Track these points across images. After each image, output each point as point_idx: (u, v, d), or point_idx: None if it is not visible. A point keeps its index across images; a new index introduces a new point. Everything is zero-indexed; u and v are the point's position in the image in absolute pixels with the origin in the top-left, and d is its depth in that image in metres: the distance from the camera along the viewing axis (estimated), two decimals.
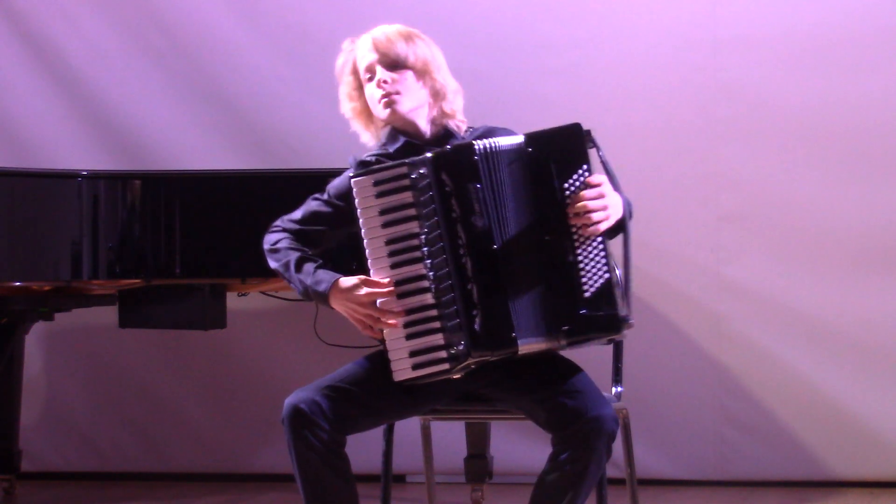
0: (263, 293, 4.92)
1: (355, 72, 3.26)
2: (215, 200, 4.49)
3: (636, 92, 5.00)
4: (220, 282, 4.54)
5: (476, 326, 2.93)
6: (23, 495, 4.98)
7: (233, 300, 4.74)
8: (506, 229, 2.97)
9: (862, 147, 4.87)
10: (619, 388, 3.39)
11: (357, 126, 3.30)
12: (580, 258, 2.96)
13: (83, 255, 4.39)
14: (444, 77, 3.22)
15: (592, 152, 3.02)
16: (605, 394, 3.27)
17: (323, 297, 3.09)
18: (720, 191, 4.98)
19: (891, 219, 4.85)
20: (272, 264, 3.20)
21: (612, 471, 3.25)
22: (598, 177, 2.98)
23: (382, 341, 3.03)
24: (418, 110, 3.21)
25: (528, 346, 2.97)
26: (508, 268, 2.96)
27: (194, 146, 5.25)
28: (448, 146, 3.06)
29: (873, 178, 4.86)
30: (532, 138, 3.00)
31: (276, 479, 5.19)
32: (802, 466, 4.94)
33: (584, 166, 2.98)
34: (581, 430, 2.90)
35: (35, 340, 5.20)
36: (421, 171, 2.97)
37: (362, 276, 3.02)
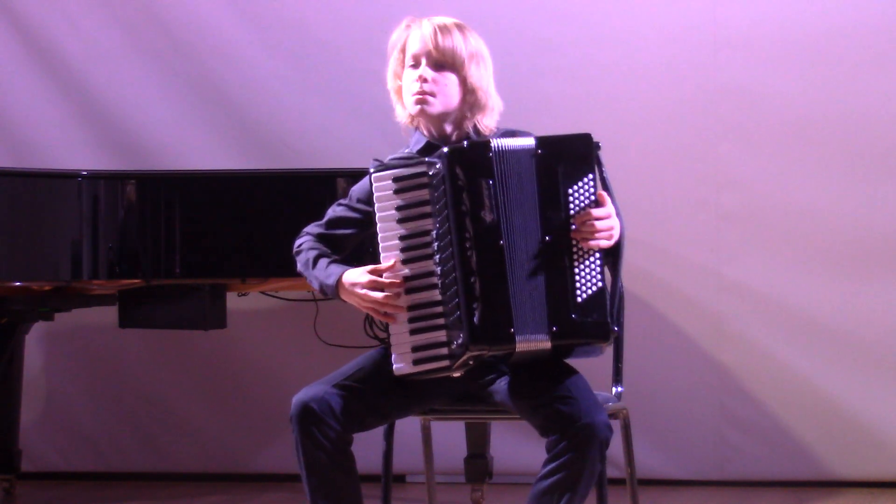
0: (263, 293, 4.92)
1: (403, 51, 3.26)
2: (215, 200, 4.49)
3: (636, 92, 5.00)
4: (220, 282, 4.54)
5: (475, 320, 2.94)
6: (23, 495, 4.98)
7: (233, 300, 4.74)
8: (513, 227, 2.98)
9: (862, 147, 4.87)
10: (620, 388, 3.40)
11: (394, 101, 3.32)
12: (576, 263, 2.98)
13: (83, 255, 4.39)
14: (487, 94, 3.23)
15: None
16: (604, 393, 3.28)
17: (332, 290, 3.12)
18: (720, 191, 4.98)
19: (891, 219, 4.85)
20: (298, 267, 3.26)
21: (612, 471, 3.25)
22: (605, 196, 3.01)
23: (387, 338, 3.05)
24: (448, 114, 3.23)
25: (526, 343, 2.97)
26: (513, 265, 2.97)
27: (194, 146, 5.26)
28: (465, 142, 3.08)
29: (873, 177, 4.87)
30: (542, 141, 3.02)
31: (276, 479, 5.19)
32: (802, 466, 4.94)
33: (591, 175, 3.01)
34: (574, 436, 2.90)
35: (35, 340, 5.20)
36: (437, 167, 3.00)
37: (369, 266, 3.05)
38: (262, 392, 5.25)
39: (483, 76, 3.22)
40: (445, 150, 3.01)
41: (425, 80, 3.18)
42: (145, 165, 5.21)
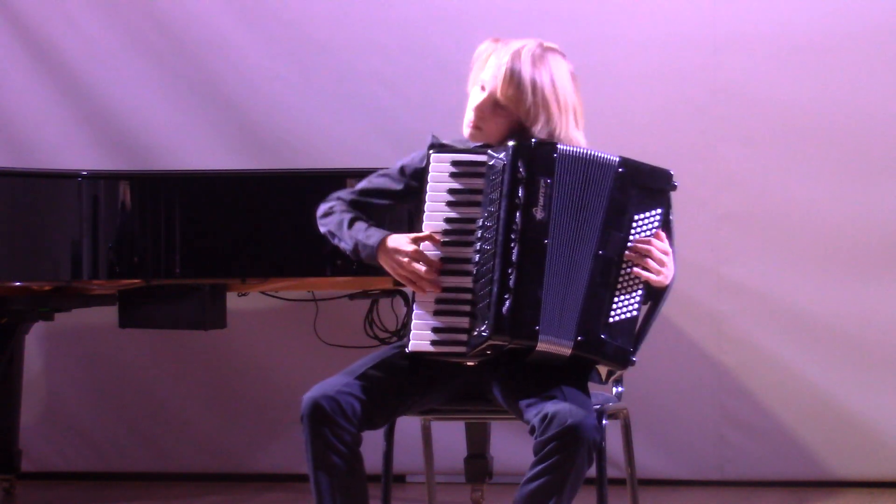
0: (263, 293, 4.91)
1: (482, 68, 3.18)
2: (215, 200, 4.49)
3: (635, 92, 5.00)
4: (220, 282, 4.54)
5: (504, 310, 2.96)
6: (23, 495, 4.98)
7: (233, 300, 4.74)
8: (561, 230, 3.01)
9: (861, 147, 4.87)
10: (620, 388, 3.39)
11: None
12: (620, 284, 3.03)
13: (83, 255, 4.39)
14: (558, 140, 3.10)
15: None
16: (604, 393, 3.28)
17: (371, 251, 3.12)
18: (720, 191, 4.98)
19: (890, 218, 4.86)
20: (323, 228, 3.24)
21: (612, 471, 3.25)
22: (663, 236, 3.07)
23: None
24: (497, 139, 3.17)
25: (548, 344, 2.99)
26: (552, 266, 3.00)
27: (194, 146, 5.25)
28: (532, 140, 3.07)
29: (873, 177, 4.87)
30: (626, 161, 3.07)
31: (275, 479, 5.18)
32: (802, 466, 4.94)
33: (659, 210, 3.08)
34: (560, 438, 2.89)
35: (35, 340, 5.19)
36: (499, 158, 3.03)
37: (412, 235, 3.07)
38: (262, 392, 5.25)
39: (558, 123, 3.10)
40: (511, 143, 3.03)
41: (479, 115, 3.15)
42: (145, 165, 5.21)
